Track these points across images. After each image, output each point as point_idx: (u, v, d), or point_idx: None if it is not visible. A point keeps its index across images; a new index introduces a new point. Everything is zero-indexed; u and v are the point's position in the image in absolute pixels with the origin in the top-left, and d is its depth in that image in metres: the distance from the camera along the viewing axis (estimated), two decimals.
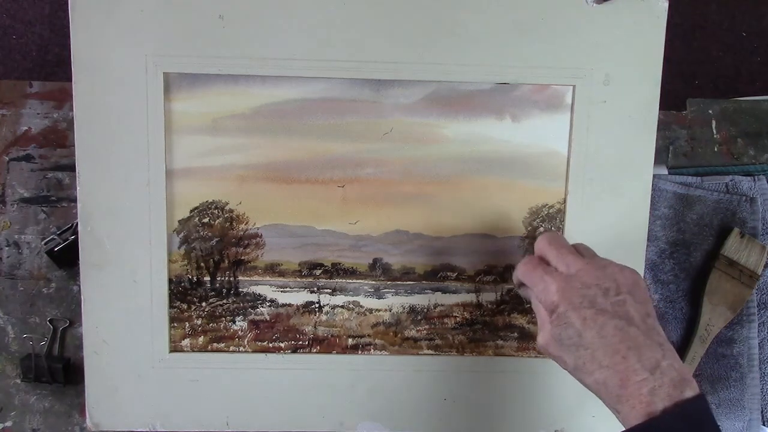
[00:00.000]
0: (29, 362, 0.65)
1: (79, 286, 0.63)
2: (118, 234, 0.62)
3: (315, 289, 0.64)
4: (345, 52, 0.61)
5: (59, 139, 0.67)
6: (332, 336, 0.65)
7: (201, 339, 0.64)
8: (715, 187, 0.69)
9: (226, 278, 0.64)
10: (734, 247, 0.67)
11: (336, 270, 0.64)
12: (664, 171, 0.69)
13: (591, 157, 0.63)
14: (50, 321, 0.67)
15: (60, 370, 0.65)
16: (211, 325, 0.64)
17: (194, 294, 0.64)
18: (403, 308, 0.65)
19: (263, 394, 0.64)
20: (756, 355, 0.68)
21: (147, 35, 0.60)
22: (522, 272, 0.53)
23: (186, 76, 0.61)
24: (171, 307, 0.63)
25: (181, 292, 0.64)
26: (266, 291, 0.64)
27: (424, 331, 0.66)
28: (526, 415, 0.66)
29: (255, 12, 0.60)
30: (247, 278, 0.64)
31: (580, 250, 0.54)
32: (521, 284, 0.55)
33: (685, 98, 0.71)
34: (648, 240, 0.65)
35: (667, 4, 0.62)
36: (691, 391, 0.46)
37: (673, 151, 0.70)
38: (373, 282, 0.65)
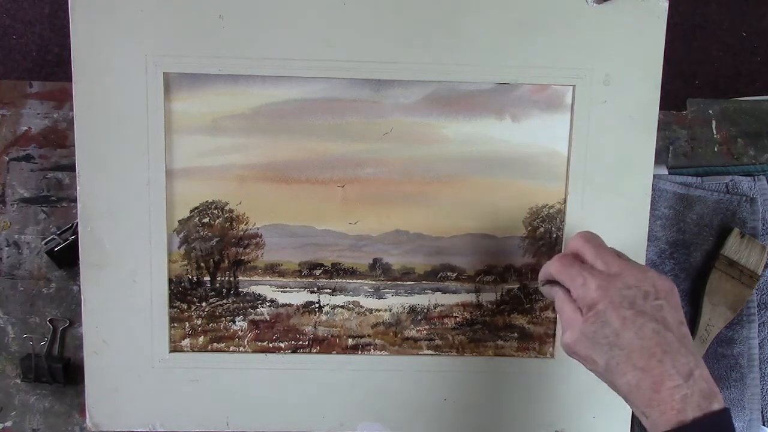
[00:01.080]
0: (29, 362, 0.65)
1: (79, 286, 0.63)
2: (118, 234, 0.62)
3: (315, 289, 0.64)
4: (345, 52, 0.61)
5: (59, 139, 0.67)
6: (332, 336, 0.65)
7: (201, 339, 0.64)
8: (715, 187, 0.69)
9: (226, 278, 0.64)
10: (734, 247, 0.67)
11: (336, 270, 0.64)
12: (664, 171, 0.69)
13: (591, 157, 0.63)
14: (50, 321, 0.67)
15: (60, 370, 0.65)
16: (211, 325, 0.64)
17: (194, 294, 0.64)
18: (403, 308, 0.65)
19: (263, 394, 0.64)
20: (756, 355, 0.68)
21: (147, 35, 0.60)
22: (557, 268, 0.52)
23: (186, 76, 0.61)
24: (171, 307, 0.63)
25: (181, 292, 0.64)
26: (266, 291, 0.64)
27: (424, 331, 0.66)
28: (526, 415, 0.66)
29: (255, 12, 0.60)
30: (247, 278, 0.64)
31: (617, 253, 0.53)
32: (547, 281, 0.54)
33: (685, 98, 0.71)
34: (648, 240, 0.65)
35: (667, 4, 0.62)
36: (718, 404, 0.46)
37: (673, 151, 0.70)
38: (373, 282, 0.65)
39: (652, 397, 0.46)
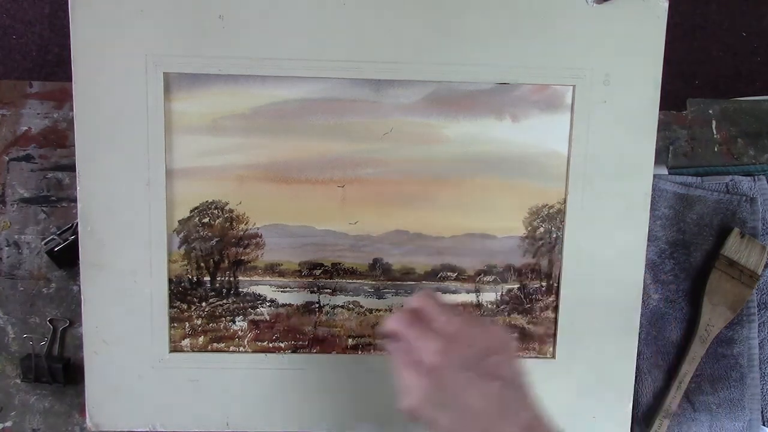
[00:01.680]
0: (29, 362, 0.65)
1: (79, 286, 0.63)
2: (118, 234, 0.62)
3: (315, 289, 0.64)
4: (345, 52, 0.61)
5: (59, 139, 0.67)
6: (332, 336, 0.65)
7: (201, 339, 0.64)
8: (715, 187, 0.69)
9: (226, 278, 0.64)
10: (734, 247, 0.67)
11: (336, 270, 0.64)
12: (664, 171, 0.69)
13: (591, 157, 0.63)
14: (50, 321, 0.67)
15: (60, 370, 0.65)
16: (211, 325, 0.64)
17: (194, 294, 0.64)
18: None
19: (263, 394, 0.64)
20: (756, 355, 0.68)
21: (147, 35, 0.60)
22: (398, 326, 0.50)
23: (186, 76, 0.61)
24: (171, 307, 0.63)
25: (181, 292, 0.64)
26: (266, 291, 0.64)
27: None
28: None
29: (255, 12, 0.60)
30: (247, 278, 0.64)
31: (458, 311, 0.52)
32: (387, 336, 0.52)
33: (685, 98, 0.71)
34: (648, 240, 0.65)
35: (667, 4, 0.62)
36: None
37: (673, 151, 0.70)
38: (373, 282, 0.65)
39: None
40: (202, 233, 0.63)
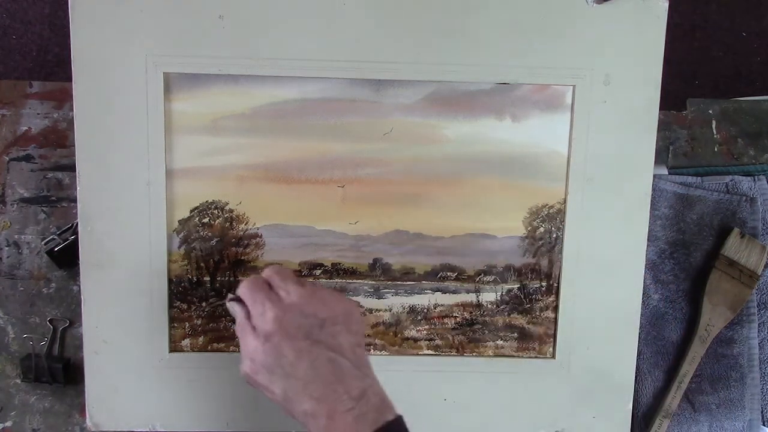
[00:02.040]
0: (29, 362, 0.65)
1: (79, 286, 0.63)
2: (118, 234, 0.62)
3: None
4: (345, 52, 0.61)
5: (59, 139, 0.67)
6: None
7: (201, 339, 0.64)
8: (715, 187, 0.69)
9: (226, 278, 0.64)
10: (734, 247, 0.67)
11: (336, 270, 0.64)
12: (664, 171, 0.69)
13: (591, 157, 0.63)
14: (50, 321, 0.67)
15: (60, 370, 0.65)
16: (211, 325, 0.64)
17: (194, 294, 0.64)
18: (403, 308, 0.65)
19: (263, 394, 0.64)
20: (756, 355, 0.68)
21: (147, 35, 0.60)
22: (244, 291, 0.52)
23: (186, 76, 0.61)
24: (171, 307, 0.63)
25: (181, 292, 0.64)
26: None
27: (424, 331, 0.66)
28: (526, 415, 0.66)
29: (255, 12, 0.60)
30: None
31: (303, 282, 0.54)
32: (234, 299, 0.54)
33: (685, 98, 0.71)
34: (648, 240, 0.65)
35: (667, 4, 0.62)
36: (391, 414, 0.49)
37: (673, 151, 0.70)
38: (373, 282, 0.65)
39: (327, 424, 0.48)
40: (202, 233, 0.63)
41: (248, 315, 0.52)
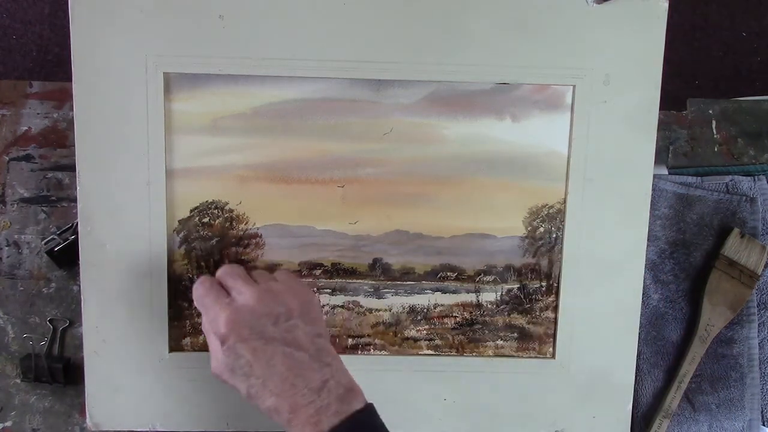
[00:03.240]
0: (29, 362, 0.65)
1: (79, 286, 0.63)
2: (118, 234, 0.62)
3: (315, 289, 0.64)
4: (345, 52, 0.61)
5: (59, 139, 0.67)
6: (332, 336, 0.65)
7: (201, 338, 0.64)
8: (715, 187, 0.69)
9: None
10: (734, 247, 0.67)
11: (336, 270, 0.64)
12: (664, 171, 0.69)
13: (591, 157, 0.63)
14: (50, 321, 0.67)
15: (60, 370, 0.65)
16: None
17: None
18: (403, 308, 0.65)
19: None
20: (756, 355, 0.68)
21: (147, 35, 0.60)
22: (196, 296, 0.54)
23: (186, 76, 0.61)
24: (171, 306, 0.63)
25: (181, 292, 0.64)
26: None
27: (424, 331, 0.66)
28: (526, 415, 0.66)
29: (255, 12, 0.60)
30: None
31: (255, 276, 0.54)
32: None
33: (685, 98, 0.71)
34: (648, 240, 0.65)
35: (667, 4, 0.62)
36: (359, 402, 0.49)
37: (673, 151, 0.70)
38: (373, 282, 0.65)
39: (290, 418, 0.48)
40: (202, 233, 0.63)
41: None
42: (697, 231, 0.68)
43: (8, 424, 0.67)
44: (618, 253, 0.64)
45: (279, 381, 0.49)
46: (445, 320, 0.66)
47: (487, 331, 0.66)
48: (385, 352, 0.66)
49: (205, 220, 0.63)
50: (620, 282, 0.65)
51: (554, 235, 0.64)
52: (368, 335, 0.65)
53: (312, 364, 0.50)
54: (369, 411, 0.50)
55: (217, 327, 0.51)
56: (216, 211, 0.63)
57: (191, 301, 0.64)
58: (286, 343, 0.50)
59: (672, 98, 0.70)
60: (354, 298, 0.65)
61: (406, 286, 0.65)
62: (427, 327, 0.66)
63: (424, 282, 0.65)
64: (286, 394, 0.48)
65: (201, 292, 0.54)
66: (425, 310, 0.65)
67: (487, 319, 0.66)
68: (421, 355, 0.66)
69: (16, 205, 0.67)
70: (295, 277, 0.56)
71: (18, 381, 0.66)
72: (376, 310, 0.65)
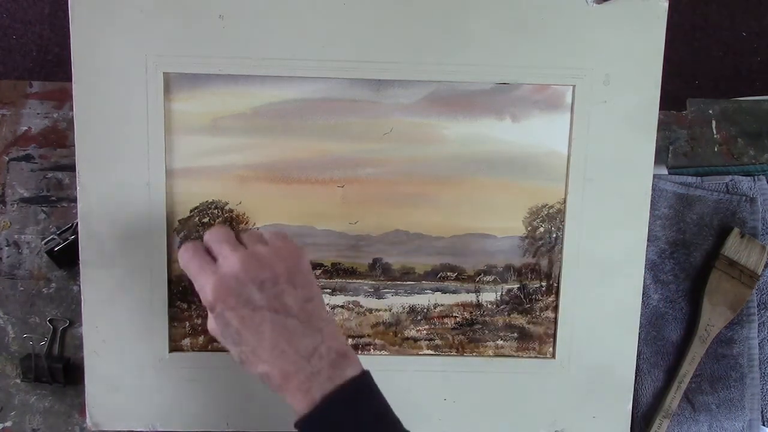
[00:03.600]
0: (29, 362, 0.65)
1: (79, 286, 0.63)
2: (118, 234, 0.62)
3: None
4: (345, 52, 0.61)
5: (59, 139, 0.67)
6: None
7: (201, 339, 0.64)
8: (715, 187, 0.69)
9: None
10: (734, 247, 0.67)
11: (336, 270, 0.64)
12: (664, 171, 0.69)
13: (591, 157, 0.63)
14: (50, 321, 0.67)
15: (60, 370, 0.65)
16: None
17: (194, 294, 0.64)
18: (403, 308, 0.65)
19: (263, 394, 0.64)
20: (756, 355, 0.68)
21: (147, 35, 0.60)
22: (181, 262, 0.52)
23: (186, 76, 0.61)
24: (171, 306, 0.63)
25: (181, 292, 0.64)
26: None
27: (424, 331, 0.66)
28: (526, 415, 0.66)
29: (255, 12, 0.60)
30: None
31: (243, 239, 0.52)
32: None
33: (685, 98, 0.71)
34: (648, 240, 0.65)
35: (667, 4, 0.62)
36: (353, 369, 0.48)
37: (673, 151, 0.70)
38: (373, 282, 0.65)
39: (282, 385, 0.48)
40: (202, 233, 0.63)
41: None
42: (697, 231, 0.68)
43: (8, 424, 0.67)
44: (618, 253, 0.64)
45: (269, 348, 0.48)
46: (445, 320, 0.66)
47: (487, 331, 0.66)
48: (385, 352, 0.66)
49: (205, 220, 0.63)
50: (620, 282, 0.65)
51: (554, 235, 0.64)
52: (368, 335, 0.65)
53: (302, 330, 0.48)
54: (364, 378, 0.49)
55: (204, 295, 0.49)
56: (216, 211, 0.63)
57: (191, 302, 0.64)
58: (274, 310, 0.48)
59: (672, 98, 0.70)
60: (354, 298, 0.65)
61: (406, 286, 0.65)
62: (427, 327, 0.66)
63: (424, 282, 0.65)
64: (276, 361, 0.47)
65: (186, 258, 0.51)
66: (425, 310, 0.65)
67: (487, 319, 0.66)
68: (421, 355, 0.66)
69: (16, 205, 0.67)
70: (285, 237, 0.52)
71: (18, 381, 0.66)
72: (376, 310, 0.65)
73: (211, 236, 0.52)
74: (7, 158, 0.67)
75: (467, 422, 0.66)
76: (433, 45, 0.61)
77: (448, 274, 0.65)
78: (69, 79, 0.60)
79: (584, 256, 0.64)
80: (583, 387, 0.66)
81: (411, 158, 0.63)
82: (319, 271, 0.64)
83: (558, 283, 0.65)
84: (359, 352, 0.65)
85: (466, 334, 0.66)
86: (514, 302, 0.66)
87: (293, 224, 0.63)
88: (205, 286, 0.49)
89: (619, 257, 0.64)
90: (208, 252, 0.52)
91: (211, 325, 0.50)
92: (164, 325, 0.63)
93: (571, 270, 0.64)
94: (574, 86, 0.62)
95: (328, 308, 0.64)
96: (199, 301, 0.51)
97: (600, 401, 0.66)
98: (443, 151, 0.63)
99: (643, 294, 0.65)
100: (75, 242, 0.63)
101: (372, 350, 0.65)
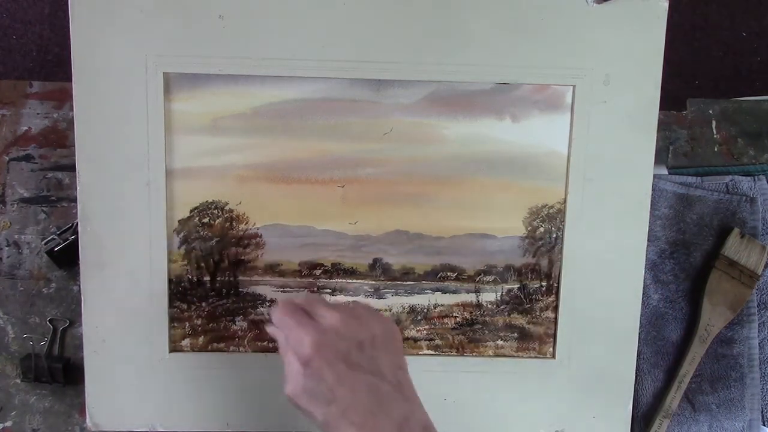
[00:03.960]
0: (29, 362, 0.65)
1: (79, 286, 0.63)
2: (118, 234, 0.62)
3: (315, 289, 0.64)
4: (345, 52, 0.61)
5: (59, 139, 0.67)
6: None
7: (201, 339, 0.64)
8: (715, 187, 0.69)
9: (226, 278, 0.64)
10: (734, 247, 0.67)
11: (336, 270, 0.64)
12: (664, 171, 0.69)
13: (591, 157, 0.63)
14: (50, 321, 0.67)
15: (60, 370, 0.65)
16: (211, 325, 0.64)
17: (194, 294, 0.64)
18: (403, 308, 0.65)
19: (263, 394, 0.64)
20: (756, 355, 0.68)
21: (147, 35, 0.60)
22: (278, 317, 0.51)
23: (186, 76, 0.61)
24: (171, 307, 0.63)
25: (181, 292, 0.64)
26: (266, 291, 0.64)
27: (424, 331, 0.66)
28: (526, 415, 0.66)
29: (255, 12, 0.60)
30: (247, 278, 0.64)
31: (336, 306, 0.52)
32: (274, 324, 0.52)
33: (685, 98, 0.71)
34: (648, 240, 0.65)
35: (667, 4, 0.62)
36: None
37: (673, 151, 0.70)
38: (373, 282, 0.65)
39: None
40: (202, 233, 0.63)
41: (288, 339, 0.50)
42: (697, 231, 0.68)
43: (8, 424, 0.67)
44: (618, 253, 0.64)
45: (361, 410, 0.46)
46: (445, 320, 0.66)
47: (487, 331, 0.66)
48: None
49: (205, 220, 0.63)
50: (620, 282, 0.65)
51: (554, 235, 0.64)
52: None
53: (395, 396, 0.47)
54: None
55: (302, 348, 0.48)
56: (216, 211, 0.63)
57: (191, 302, 0.64)
58: (371, 372, 0.47)
59: (672, 98, 0.70)
60: (354, 298, 0.65)
61: (406, 286, 0.65)
62: (427, 327, 0.66)
63: (424, 282, 0.65)
64: (366, 425, 0.46)
65: (283, 313, 0.50)
66: (425, 310, 0.65)
67: (487, 319, 0.66)
68: (421, 355, 0.66)
69: (16, 205, 0.67)
70: (373, 308, 0.53)
71: (18, 381, 0.66)
72: (377, 310, 0.65)
73: (306, 299, 0.52)
74: (7, 158, 0.67)
75: (467, 422, 0.66)
76: (433, 45, 0.61)
77: (448, 274, 0.65)
78: (69, 79, 0.60)
79: (584, 256, 0.64)
80: (583, 387, 0.66)
81: (411, 158, 0.63)
82: (319, 271, 0.64)
83: (558, 283, 0.65)
84: None
85: (466, 334, 0.66)
86: (514, 302, 0.66)
87: (293, 224, 0.63)
88: (303, 339, 0.48)
89: (619, 257, 0.64)
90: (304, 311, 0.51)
91: (299, 382, 0.48)
92: (164, 325, 0.63)
93: (571, 270, 0.64)
94: (574, 86, 0.62)
95: None
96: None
97: (600, 401, 0.66)
98: (443, 151, 0.63)
99: (643, 294, 0.65)
100: (75, 242, 0.63)
101: None
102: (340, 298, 0.65)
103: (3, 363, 0.67)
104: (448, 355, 0.66)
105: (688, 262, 0.69)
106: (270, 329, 0.52)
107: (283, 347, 0.50)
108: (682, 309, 0.69)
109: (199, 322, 0.64)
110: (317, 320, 0.50)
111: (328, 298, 0.65)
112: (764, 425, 0.68)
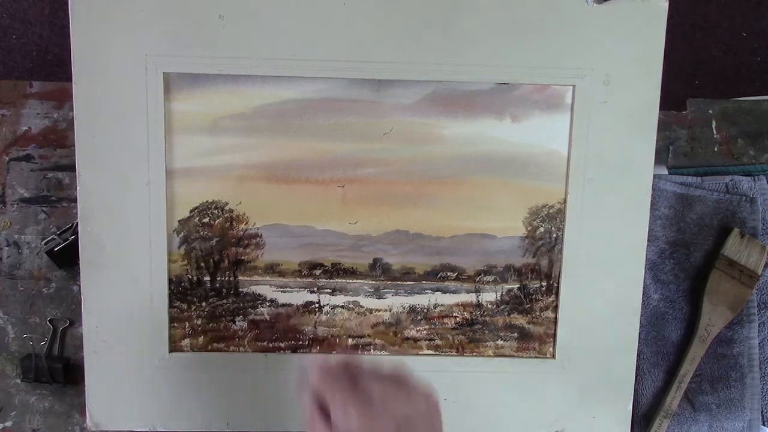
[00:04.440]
0: (29, 362, 0.65)
1: (79, 286, 0.63)
2: (118, 234, 0.62)
3: (315, 289, 0.64)
4: (345, 52, 0.61)
5: (59, 139, 0.67)
6: (332, 336, 0.65)
7: (201, 339, 0.64)
8: (715, 187, 0.69)
9: (226, 278, 0.64)
10: (734, 247, 0.67)
11: (336, 270, 0.64)
12: (664, 171, 0.69)
13: (591, 157, 0.63)
14: (50, 321, 0.67)
15: (60, 370, 0.65)
16: (211, 325, 0.64)
17: (194, 294, 0.64)
18: (403, 308, 0.65)
19: (263, 394, 0.64)
20: (756, 355, 0.68)
21: (147, 35, 0.60)
22: (321, 382, 0.47)
23: (186, 76, 0.61)
24: (171, 307, 0.63)
25: (181, 292, 0.64)
26: (266, 291, 0.64)
27: (424, 331, 0.66)
28: (526, 415, 0.66)
29: (255, 12, 0.60)
30: (247, 278, 0.64)
31: (384, 375, 0.49)
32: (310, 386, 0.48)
33: (685, 98, 0.71)
34: (648, 240, 0.65)
35: (667, 4, 0.62)
36: None
37: (673, 151, 0.70)
38: (373, 282, 0.65)
39: None
40: (202, 233, 0.63)
41: (320, 407, 0.47)
42: (697, 231, 0.68)
43: (8, 424, 0.67)
44: (618, 253, 0.64)
45: None
46: (445, 320, 0.66)
47: (487, 331, 0.66)
48: (386, 353, 0.66)
49: (205, 220, 0.63)
50: (620, 282, 0.65)
51: (554, 235, 0.64)
52: (368, 335, 0.65)
53: None
54: None
55: (348, 423, 0.45)
56: (216, 211, 0.63)
57: (191, 302, 0.64)
58: None
59: (672, 98, 0.70)
60: (354, 298, 0.65)
61: (406, 286, 0.65)
62: (427, 327, 0.66)
63: (424, 282, 0.65)
64: None
65: (327, 379, 0.47)
66: (425, 310, 0.65)
67: (487, 319, 0.66)
68: (421, 355, 0.66)
69: (16, 205, 0.67)
70: (415, 376, 0.49)
71: (18, 381, 0.66)
72: (376, 310, 0.65)
73: (347, 362, 0.49)
74: (7, 158, 0.67)
75: (467, 422, 0.66)
76: (433, 45, 0.61)
77: (448, 274, 0.65)
78: (69, 79, 0.60)
79: (584, 256, 0.64)
80: (583, 387, 0.66)
81: (411, 158, 0.63)
82: (319, 271, 0.64)
83: (558, 283, 0.65)
84: (359, 352, 0.65)
85: (466, 334, 0.66)
86: (514, 302, 0.66)
87: (293, 224, 0.63)
88: (350, 413, 0.45)
89: (619, 257, 0.64)
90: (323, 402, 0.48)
91: None
92: (164, 325, 0.63)
93: (571, 270, 0.64)
94: (574, 86, 0.62)
95: (327, 308, 0.64)
96: None
97: (600, 401, 0.66)
98: (443, 151, 0.63)
99: (643, 294, 0.65)
100: (75, 242, 0.63)
101: (372, 350, 0.65)
102: (340, 298, 0.65)
103: (3, 363, 0.67)
104: (448, 355, 0.66)
105: (688, 262, 0.69)
106: (304, 396, 0.48)
107: (314, 419, 0.47)
108: (682, 309, 0.69)
109: (199, 322, 0.64)
110: (364, 391, 0.47)
111: (325, 298, 0.65)
112: (764, 425, 0.68)
